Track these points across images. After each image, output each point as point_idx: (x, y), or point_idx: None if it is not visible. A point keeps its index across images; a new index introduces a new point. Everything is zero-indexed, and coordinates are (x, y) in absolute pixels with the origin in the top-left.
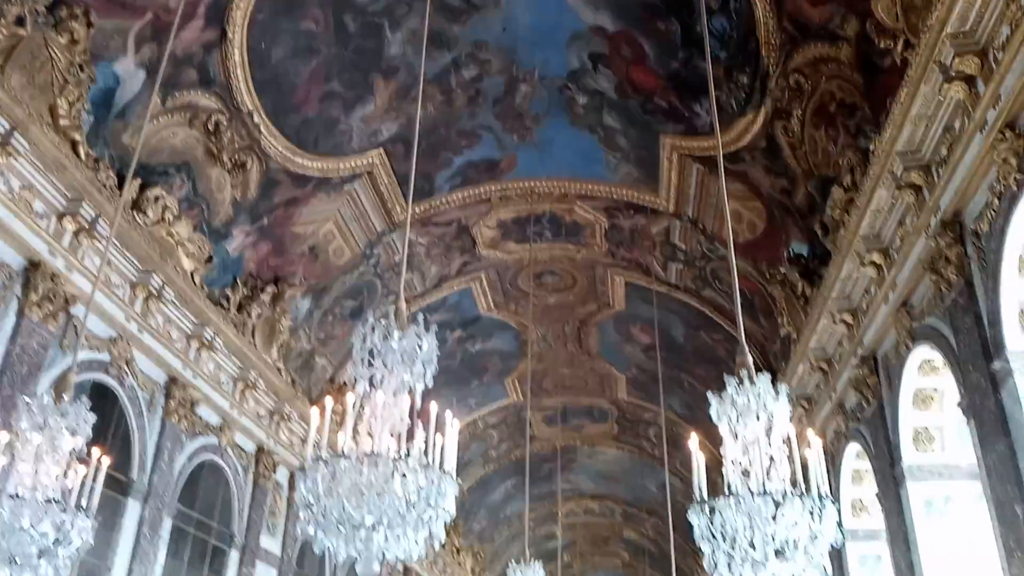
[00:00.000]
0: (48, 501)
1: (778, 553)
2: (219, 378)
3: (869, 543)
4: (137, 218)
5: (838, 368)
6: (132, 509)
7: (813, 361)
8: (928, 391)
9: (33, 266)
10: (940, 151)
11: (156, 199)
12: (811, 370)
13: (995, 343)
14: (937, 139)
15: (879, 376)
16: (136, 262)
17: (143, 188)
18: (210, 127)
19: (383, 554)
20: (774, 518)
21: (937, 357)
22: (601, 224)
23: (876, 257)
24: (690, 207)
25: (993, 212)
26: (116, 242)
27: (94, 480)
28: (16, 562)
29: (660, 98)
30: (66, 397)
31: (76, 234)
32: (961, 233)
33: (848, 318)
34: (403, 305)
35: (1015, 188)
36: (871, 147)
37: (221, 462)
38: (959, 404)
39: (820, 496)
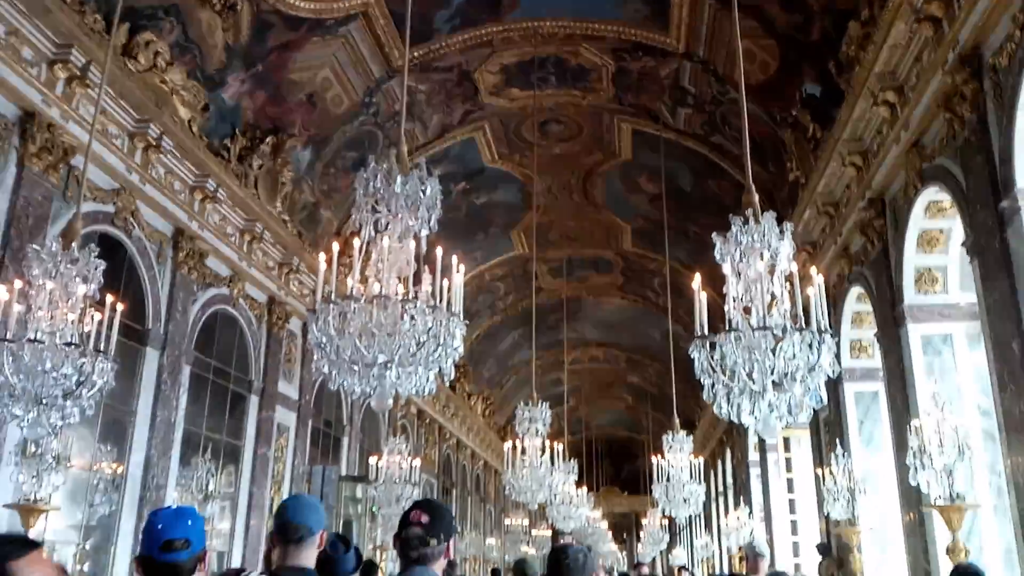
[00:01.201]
0: (68, 345)
1: (776, 384)
2: (225, 230)
3: (866, 382)
4: (129, 64)
5: (844, 212)
6: (151, 357)
7: (820, 205)
8: (934, 232)
9: (28, 116)
10: None
11: (147, 44)
12: (817, 215)
13: (1005, 181)
14: None
15: (886, 219)
16: (132, 111)
17: (132, 33)
18: None
19: (396, 390)
20: (773, 352)
21: (945, 198)
22: (608, 68)
23: (890, 96)
24: (701, 47)
25: (1013, 44)
26: (109, 90)
27: (110, 326)
28: (43, 403)
29: None
30: (74, 245)
31: (68, 82)
32: (979, 68)
33: (858, 160)
34: (404, 149)
35: None
36: None
37: (234, 312)
38: (964, 244)
39: (819, 329)
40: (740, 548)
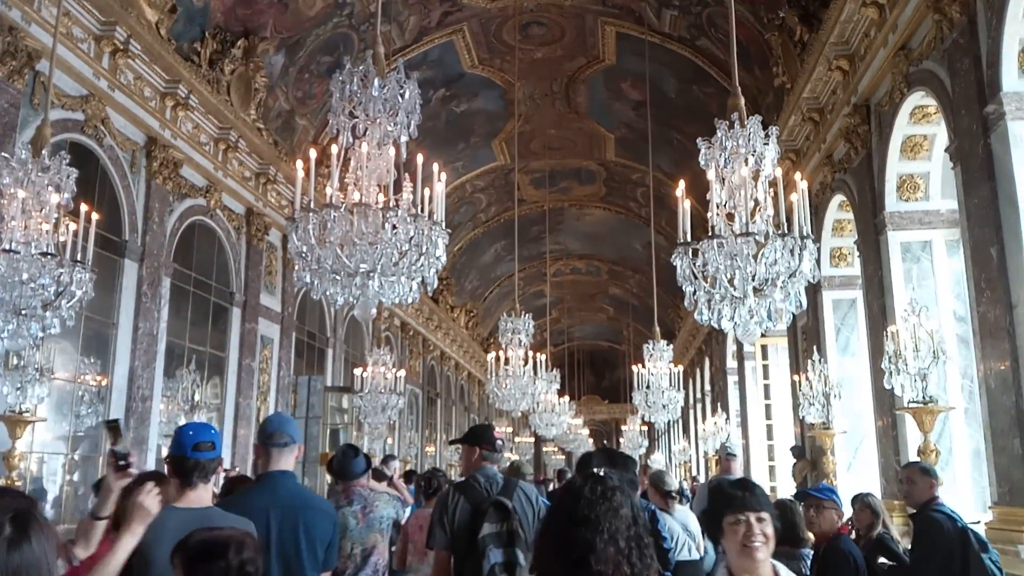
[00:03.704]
0: (44, 255)
1: (757, 291)
2: (199, 138)
3: (844, 290)
4: None
5: (829, 118)
6: (129, 269)
7: (805, 111)
8: (917, 138)
9: None
10: None
11: None
12: (802, 121)
13: (991, 85)
14: None
15: (870, 124)
16: (97, 12)
17: None
18: None
19: (378, 299)
20: (755, 258)
21: (931, 103)
22: None
23: None
24: None
25: None
26: None
27: (85, 236)
28: (22, 314)
29: None
30: (44, 153)
31: None
32: None
33: (844, 65)
34: (380, 49)
35: None
36: None
37: (212, 224)
38: (947, 149)
39: (802, 235)
40: (716, 452)
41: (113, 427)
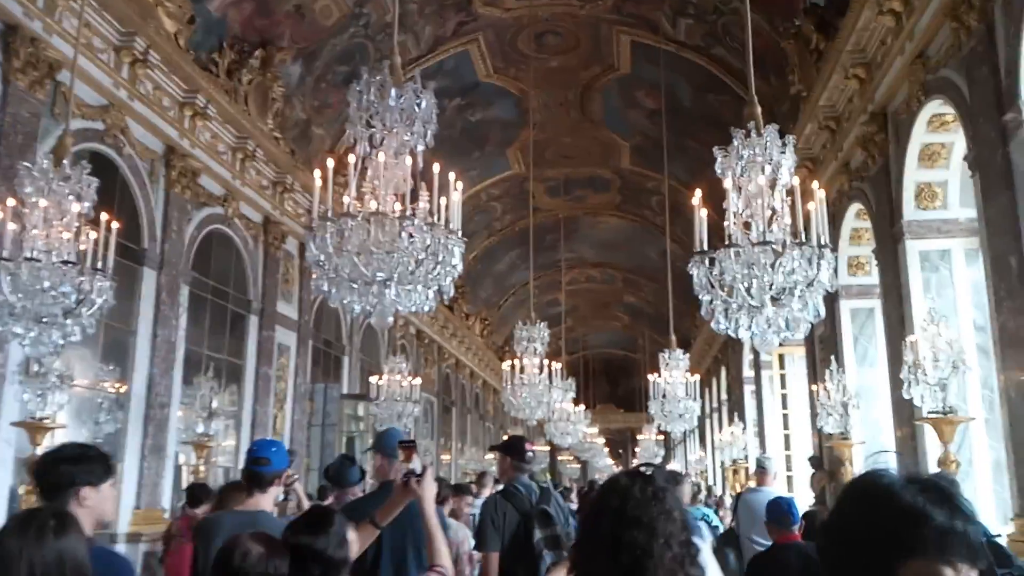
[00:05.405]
0: (64, 263)
1: (774, 300)
2: (217, 148)
3: (862, 299)
4: None
5: (846, 126)
6: (148, 277)
7: (821, 120)
8: (935, 146)
9: (10, 29)
10: None
11: None
12: (819, 129)
13: (1009, 93)
14: None
15: (887, 133)
16: (116, 23)
17: None
18: None
19: (395, 308)
20: (773, 267)
21: (948, 111)
22: None
23: (896, 4)
24: None
25: None
26: (92, 1)
27: (106, 244)
28: (43, 321)
29: None
30: (66, 163)
31: None
32: None
33: (861, 73)
34: (397, 60)
35: None
36: None
37: (229, 232)
38: (965, 158)
39: (819, 244)
40: (734, 461)
41: (408, 447)
